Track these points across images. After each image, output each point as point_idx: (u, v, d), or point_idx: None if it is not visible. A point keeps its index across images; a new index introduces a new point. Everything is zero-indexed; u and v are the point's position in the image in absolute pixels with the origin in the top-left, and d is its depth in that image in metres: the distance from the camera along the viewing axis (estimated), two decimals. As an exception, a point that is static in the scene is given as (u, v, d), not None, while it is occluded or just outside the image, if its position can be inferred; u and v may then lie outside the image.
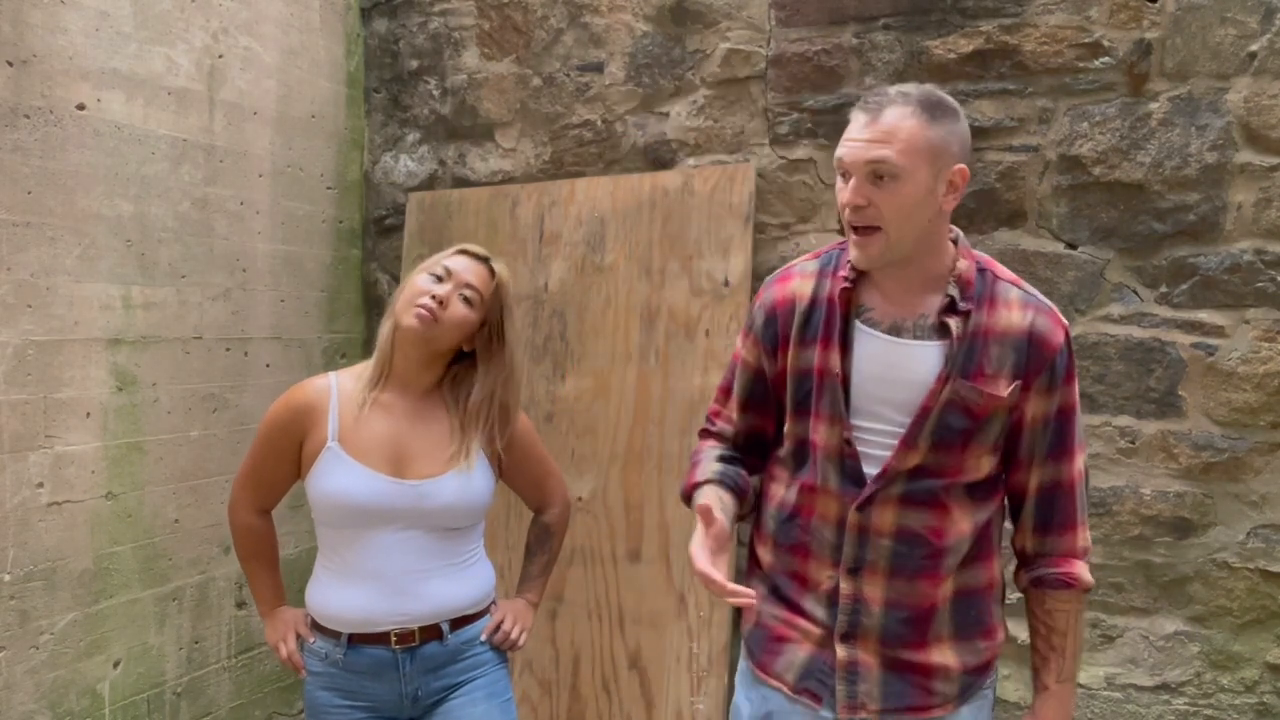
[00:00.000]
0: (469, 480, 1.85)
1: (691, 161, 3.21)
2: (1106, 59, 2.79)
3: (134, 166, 2.74)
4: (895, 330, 1.56)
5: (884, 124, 1.50)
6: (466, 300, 1.82)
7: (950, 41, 2.92)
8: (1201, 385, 2.75)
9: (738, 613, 3.14)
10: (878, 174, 1.48)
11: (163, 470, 2.83)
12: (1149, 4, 2.76)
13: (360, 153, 3.64)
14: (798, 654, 1.59)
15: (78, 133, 2.59)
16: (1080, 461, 1.57)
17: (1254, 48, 2.68)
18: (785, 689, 1.60)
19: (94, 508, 2.64)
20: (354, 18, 3.59)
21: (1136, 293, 2.81)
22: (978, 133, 2.89)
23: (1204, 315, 2.75)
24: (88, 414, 2.62)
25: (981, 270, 1.56)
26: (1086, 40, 2.80)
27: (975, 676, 1.60)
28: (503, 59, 3.45)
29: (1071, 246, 2.86)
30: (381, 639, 1.82)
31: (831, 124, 3.05)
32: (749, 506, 1.74)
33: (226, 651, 3.04)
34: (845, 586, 1.57)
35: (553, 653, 3.14)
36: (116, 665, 2.70)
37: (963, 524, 1.58)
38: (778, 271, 1.73)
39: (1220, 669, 2.76)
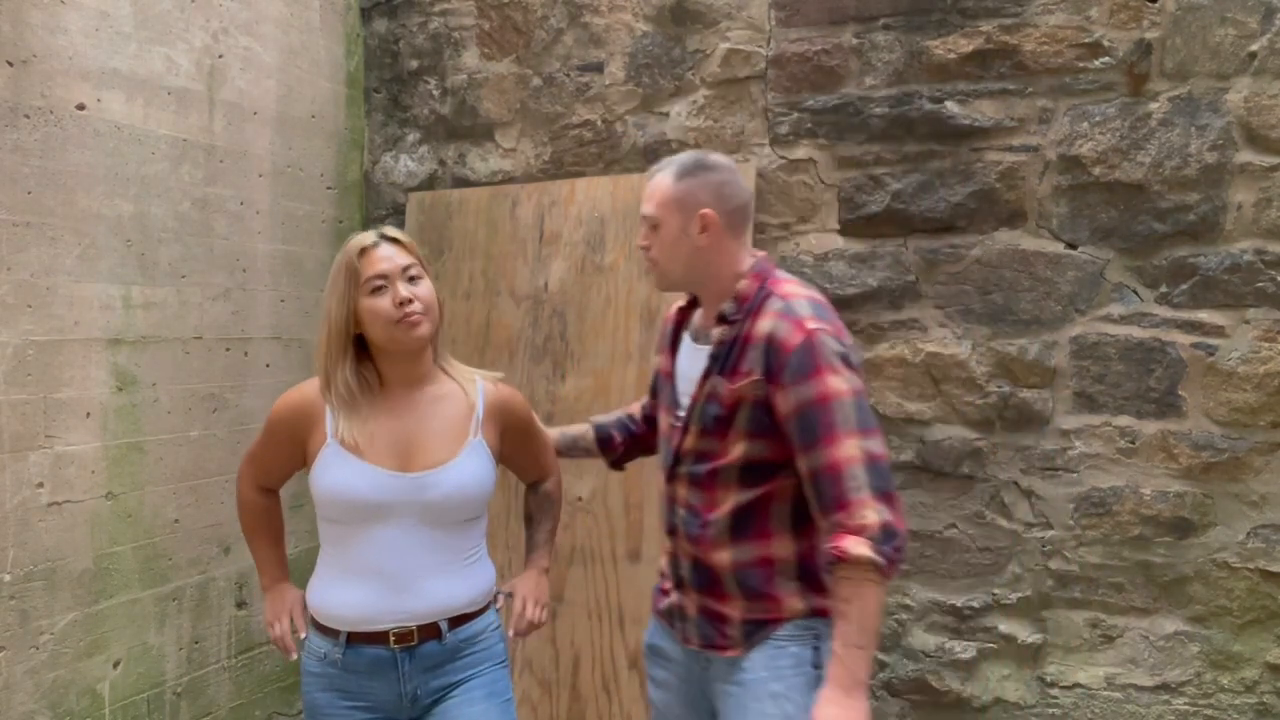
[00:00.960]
0: (471, 464, 1.86)
1: (691, 161, 3.21)
2: (1106, 59, 2.79)
3: (134, 166, 2.74)
4: (696, 338, 1.95)
5: (649, 186, 1.93)
6: (416, 277, 1.82)
7: (950, 41, 2.92)
8: (1201, 385, 2.75)
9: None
10: (650, 224, 1.92)
11: (163, 470, 2.83)
12: (1149, 4, 2.76)
13: (360, 153, 3.64)
14: (667, 598, 1.99)
15: (78, 133, 2.59)
16: (847, 447, 1.70)
17: (1254, 48, 2.68)
18: (661, 620, 2.01)
19: (94, 508, 2.64)
20: (354, 18, 3.59)
21: (1136, 293, 2.81)
22: (978, 133, 2.90)
23: (1204, 315, 2.75)
24: (88, 414, 2.62)
25: (762, 287, 1.86)
26: (1086, 40, 2.80)
27: (758, 627, 1.83)
28: (503, 59, 3.45)
29: (1071, 246, 2.86)
30: (380, 638, 1.81)
31: (831, 124, 3.05)
32: (614, 455, 2.24)
33: (226, 651, 3.04)
34: (668, 545, 1.96)
35: (553, 653, 3.14)
36: (116, 665, 2.70)
37: (724, 504, 1.83)
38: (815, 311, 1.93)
39: (1220, 669, 2.76)
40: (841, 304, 3.05)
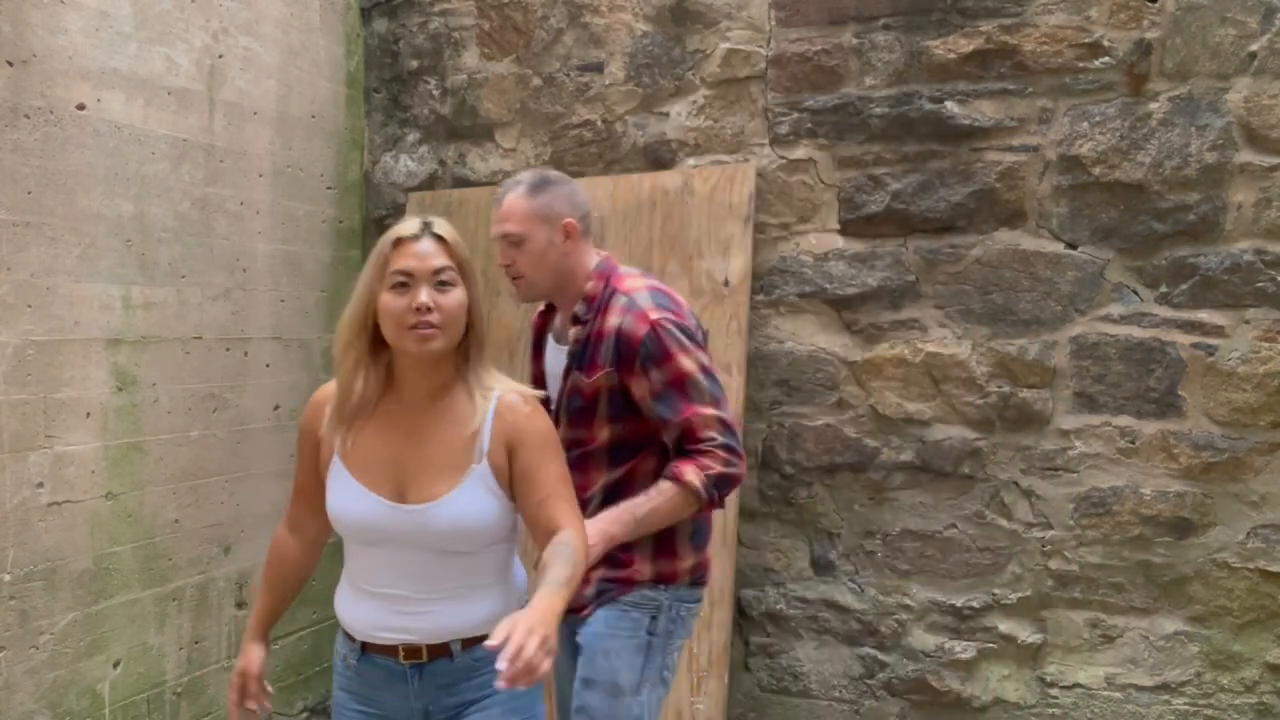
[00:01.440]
0: (469, 497, 1.68)
1: (691, 161, 3.21)
2: (1106, 59, 2.79)
3: (134, 166, 2.74)
4: (558, 339, 2.14)
5: (503, 207, 2.06)
6: (446, 283, 1.64)
7: (950, 41, 2.92)
8: (1201, 385, 2.75)
9: (739, 612, 3.15)
10: (511, 241, 2.05)
11: (163, 470, 2.83)
12: (1149, 4, 2.76)
13: (360, 153, 3.64)
14: None
15: (78, 133, 2.59)
16: (704, 415, 1.96)
17: (1254, 48, 2.68)
18: None
19: (94, 508, 2.64)
20: (354, 18, 3.59)
21: (1136, 293, 2.81)
22: (978, 133, 2.90)
23: (1204, 315, 2.75)
24: (88, 414, 2.62)
25: (607, 284, 2.06)
26: (1086, 40, 2.80)
27: (609, 585, 2.04)
28: (503, 59, 3.45)
29: (1071, 246, 2.86)
30: (390, 650, 1.75)
31: (831, 124, 3.05)
32: None
33: (226, 651, 3.04)
34: None
35: (553, 653, 3.14)
36: (116, 665, 2.70)
37: (597, 483, 2.04)
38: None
39: (1220, 669, 2.76)
40: (841, 304, 3.05)
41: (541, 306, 2.25)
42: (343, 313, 1.76)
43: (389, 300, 1.65)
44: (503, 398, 1.72)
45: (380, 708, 1.80)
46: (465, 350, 1.71)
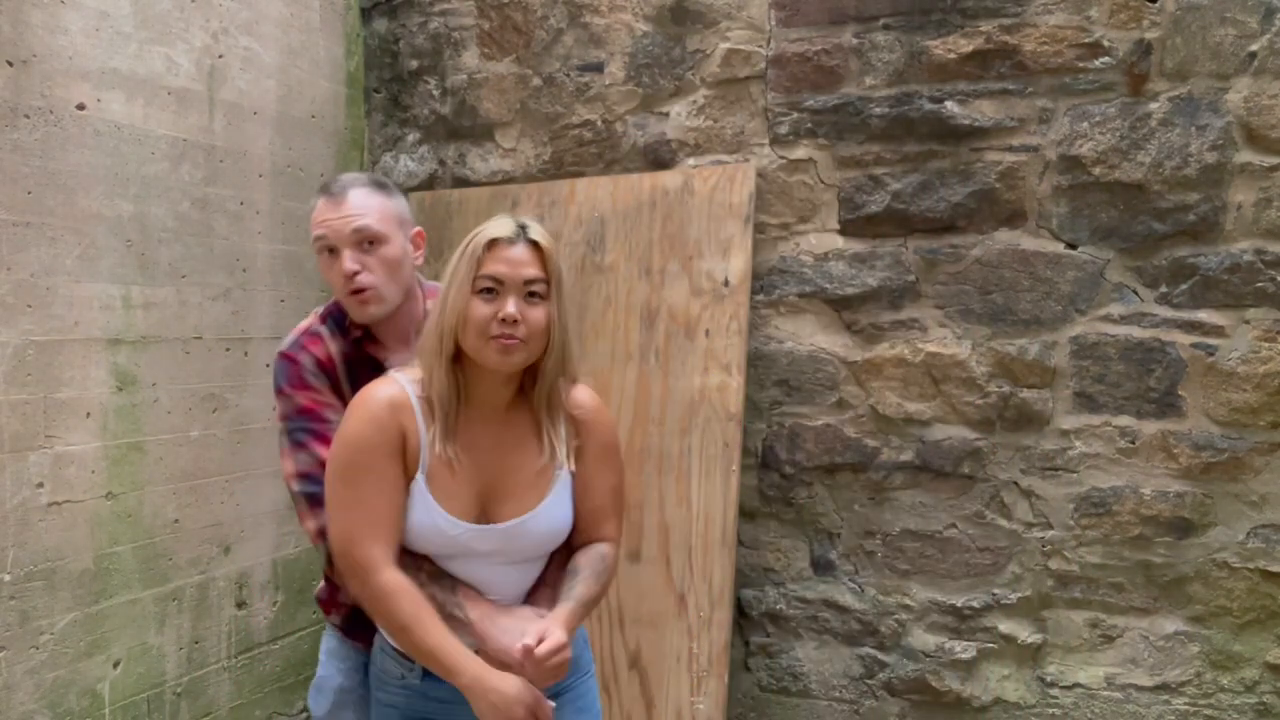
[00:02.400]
0: (559, 505, 1.66)
1: (691, 161, 3.21)
2: (1106, 59, 2.79)
3: (134, 166, 2.74)
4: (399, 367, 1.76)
5: (354, 201, 1.77)
6: (535, 296, 1.57)
7: (950, 41, 2.92)
8: (1201, 385, 2.75)
9: (739, 612, 3.15)
10: (365, 239, 1.77)
11: (163, 470, 2.83)
12: (1149, 4, 2.76)
13: (360, 153, 3.64)
14: None
15: (78, 133, 2.59)
16: None
17: (1254, 48, 2.68)
18: None
19: (94, 508, 2.64)
20: (354, 18, 3.59)
21: (1136, 293, 2.81)
22: (978, 133, 2.90)
23: (1204, 315, 2.75)
24: (88, 414, 2.62)
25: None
26: (1086, 40, 2.80)
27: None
28: (503, 59, 3.45)
29: (1071, 246, 2.86)
30: None
31: (831, 124, 3.05)
32: None
33: (226, 651, 3.04)
34: None
35: (553, 653, 3.14)
36: (116, 665, 2.70)
37: None
38: (297, 338, 1.88)
39: (1220, 669, 2.76)
40: (841, 304, 3.05)
41: (324, 336, 1.87)
42: (429, 320, 1.64)
43: (476, 307, 1.56)
44: (574, 400, 1.69)
45: None
46: (543, 365, 1.63)
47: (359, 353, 1.85)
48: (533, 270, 1.57)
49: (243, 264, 3.10)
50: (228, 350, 3.05)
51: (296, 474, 1.79)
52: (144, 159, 2.77)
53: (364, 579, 1.57)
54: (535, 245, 1.58)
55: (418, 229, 1.89)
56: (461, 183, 3.52)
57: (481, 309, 1.55)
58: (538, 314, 1.57)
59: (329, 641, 1.98)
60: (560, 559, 1.75)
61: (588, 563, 1.71)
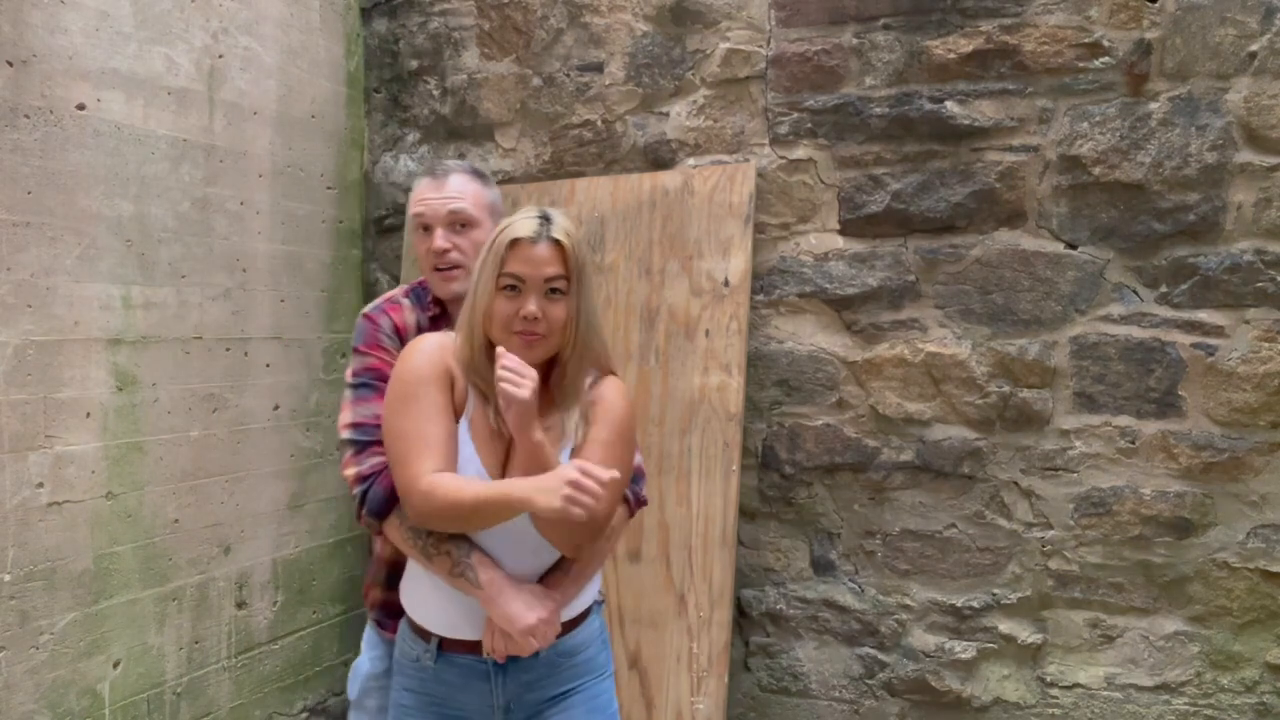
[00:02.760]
0: None
1: (691, 161, 3.21)
2: (1106, 59, 2.79)
3: (134, 166, 2.74)
4: None
5: (455, 183, 1.92)
6: (556, 292, 1.65)
7: (950, 41, 2.92)
8: (1201, 385, 2.75)
9: (739, 612, 3.15)
10: (460, 221, 1.91)
11: (163, 470, 2.83)
12: (1149, 4, 2.76)
13: (360, 153, 3.64)
14: None
15: (78, 133, 2.59)
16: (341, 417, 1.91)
17: (1254, 48, 2.68)
18: None
19: (94, 508, 2.64)
20: (354, 18, 3.59)
21: (1136, 293, 2.81)
22: (978, 133, 2.90)
23: (1204, 315, 2.75)
24: (88, 414, 2.62)
25: None
26: (1086, 40, 2.80)
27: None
28: (503, 59, 3.45)
29: (1071, 246, 2.86)
30: (474, 647, 1.71)
31: (831, 124, 3.05)
32: None
33: (226, 651, 3.04)
34: None
35: (553, 653, 3.14)
36: (116, 665, 2.70)
37: None
38: (380, 303, 2.01)
39: (1220, 669, 2.76)
40: (841, 304, 3.05)
41: (405, 305, 2.01)
42: (465, 304, 1.72)
43: (499, 303, 1.65)
44: (596, 391, 1.75)
45: (458, 708, 1.75)
46: (562, 355, 1.70)
47: (435, 327, 1.96)
48: (553, 268, 1.64)
49: (243, 264, 3.10)
50: (228, 350, 3.05)
51: (352, 423, 1.85)
52: (144, 159, 2.77)
53: (411, 489, 1.63)
54: (557, 243, 1.65)
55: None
56: (461, 183, 3.51)
57: (505, 306, 1.63)
58: (558, 310, 1.64)
59: (368, 632, 2.10)
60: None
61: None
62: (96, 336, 2.65)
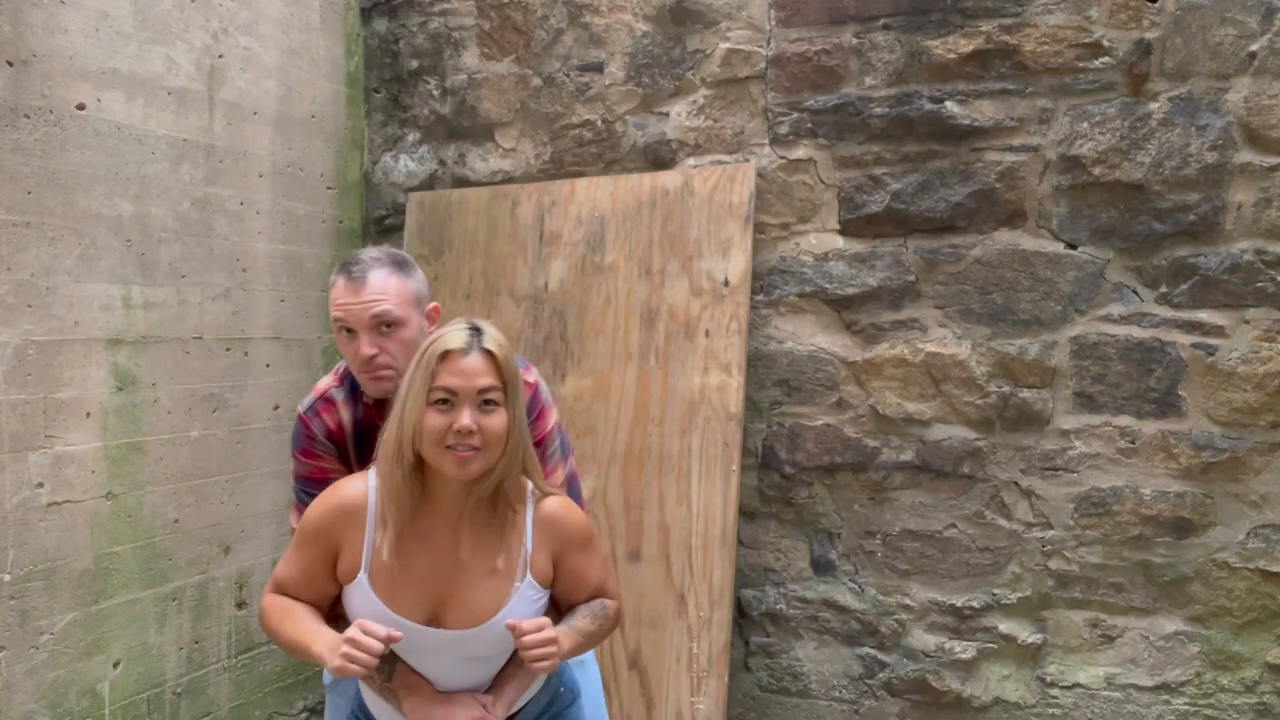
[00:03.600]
0: (521, 613, 1.65)
1: (691, 161, 3.21)
2: (1106, 59, 2.79)
3: (134, 166, 2.74)
4: None
5: (375, 284, 1.84)
6: (491, 403, 1.59)
7: (950, 41, 2.92)
8: (1201, 385, 2.75)
9: (739, 612, 3.15)
10: (384, 322, 1.84)
11: (163, 470, 2.83)
12: (1149, 4, 2.76)
13: (360, 153, 3.64)
14: None
15: (78, 133, 2.59)
16: (559, 473, 1.95)
17: (1254, 48, 2.68)
18: None
19: (94, 508, 2.64)
20: (354, 18, 3.59)
21: (1136, 293, 2.81)
22: (978, 133, 2.90)
23: (1204, 315, 2.75)
24: (88, 414, 2.62)
25: None
26: (1086, 40, 2.80)
27: None
28: (503, 59, 3.45)
29: (1071, 246, 2.86)
30: None
31: (831, 124, 3.05)
32: None
33: (226, 651, 3.04)
34: None
35: (553, 653, 3.14)
36: (116, 665, 2.70)
37: None
38: (313, 402, 1.99)
39: (1220, 669, 2.76)
40: (841, 304, 3.05)
41: (338, 401, 1.99)
42: (387, 429, 1.65)
43: (431, 418, 1.57)
44: (540, 506, 1.70)
45: None
46: (504, 466, 1.64)
47: (369, 416, 1.93)
48: (486, 379, 1.58)
49: (243, 264, 3.10)
50: (228, 350, 3.05)
51: (294, 529, 1.89)
52: (144, 159, 2.77)
53: (261, 603, 1.74)
54: (489, 354, 1.60)
55: (434, 305, 1.95)
56: (461, 183, 3.52)
57: (437, 420, 1.57)
58: (494, 421, 1.58)
59: None
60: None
61: (587, 606, 1.76)
62: (96, 336, 2.65)
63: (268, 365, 3.20)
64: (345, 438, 1.95)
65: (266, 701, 3.19)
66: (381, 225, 3.64)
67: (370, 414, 1.93)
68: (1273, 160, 2.68)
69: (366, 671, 1.52)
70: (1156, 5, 2.75)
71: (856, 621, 3.07)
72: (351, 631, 1.52)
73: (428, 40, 3.55)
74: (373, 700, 1.74)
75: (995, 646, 2.94)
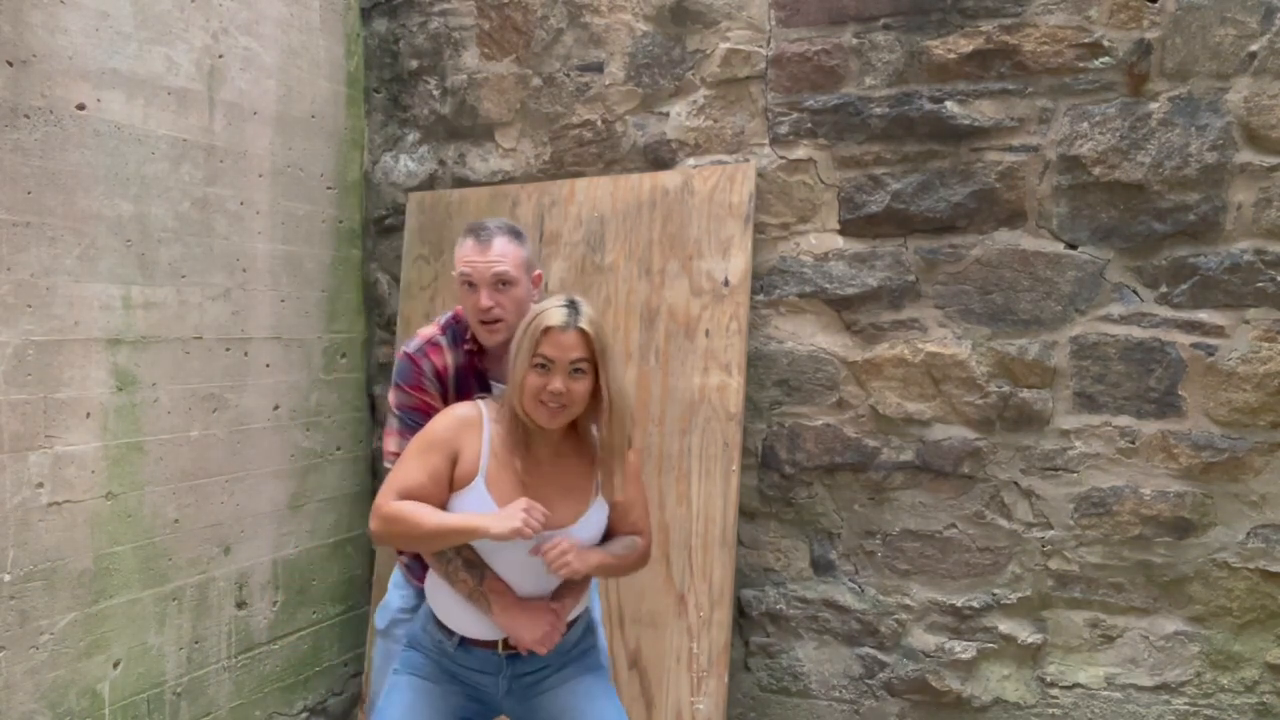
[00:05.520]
0: (591, 524, 2.07)
1: (691, 161, 3.21)
2: (1106, 59, 2.79)
3: (134, 166, 2.74)
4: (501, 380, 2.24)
5: (497, 247, 2.18)
6: (579, 372, 1.96)
7: (950, 41, 2.92)
8: (1201, 385, 2.75)
9: (739, 612, 3.15)
10: (501, 281, 2.18)
11: (163, 470, 2.83)
12: (1149, 4, 2.76)
13: (360, 153, 3.64)
14: None
15: (78, 133, 2.59)
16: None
17: (1254, 48, 2.68)
18: None
19: (94, 508, 2.64)
20: (354, 18, 3.59)
21: (1136, 293, 2.81)
22: (978, 133, 2.90)
23: (1204, 315, 2.75)
24: (88, 414, 2.62)
25: None
26: (1086, 40, 2.80)
27: None
28: (503, 59, 3.45)
29: (1071, 246, 2.86)
30: (490, 644, 2.08)
31: (831, 124, 3.05)
32: None
33: (226, 651, 3.04)
34: None
35: (553, 653, 3.14)
36: (116, 665, 2.70)
37: None
38: (421, 345, 2.29)
39: (1220, 669, 2.76)
40: (841, 304, 3.05)
41: (443, 346, 2.29)
42: (509, 373, 2.03)
43: (531, 378, 1.96)
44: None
45: (470, 684, 2.11)
46: (589, 416, 2.05)
47: (469, 363, 2.27)
48: (577, 353, 1.96)
49: (243, 264, 3.10)
50: (228, 350, 3.05)
51: (396, 451, 2.20)
52: (144, 159, 2.77)
53: (376, 510, 2.01)
54: (583, 331, 1.96)
55: (538, 272, 2.29)
56: (461, 182, 3.52)
57: (535, 380, 1.96)
58: (580, 386, 1.98)
59: (397, 575, 2.45)
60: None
61: (619, 538, 2.15)
62: (96, 336, 2.65)
63: (268, 365, 3.20)
64: (448, 378, 2.27)
65: (266, 701, 3.18)
66: (381, 225, 3.64)
67: (470, 361, 2.27)
68: (1273, 160, 2.68)
69: (535, 534, 1.89)
70: (1156, 5, 2.75)
71: (856, 621, 3.07)
72: (520, 503, 1.92)
73: (428, 40, 3.55)
74: (452, 609, 2.08)
75: (995, 646, 2.94)
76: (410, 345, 2.29)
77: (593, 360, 1.98)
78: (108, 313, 2.68)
